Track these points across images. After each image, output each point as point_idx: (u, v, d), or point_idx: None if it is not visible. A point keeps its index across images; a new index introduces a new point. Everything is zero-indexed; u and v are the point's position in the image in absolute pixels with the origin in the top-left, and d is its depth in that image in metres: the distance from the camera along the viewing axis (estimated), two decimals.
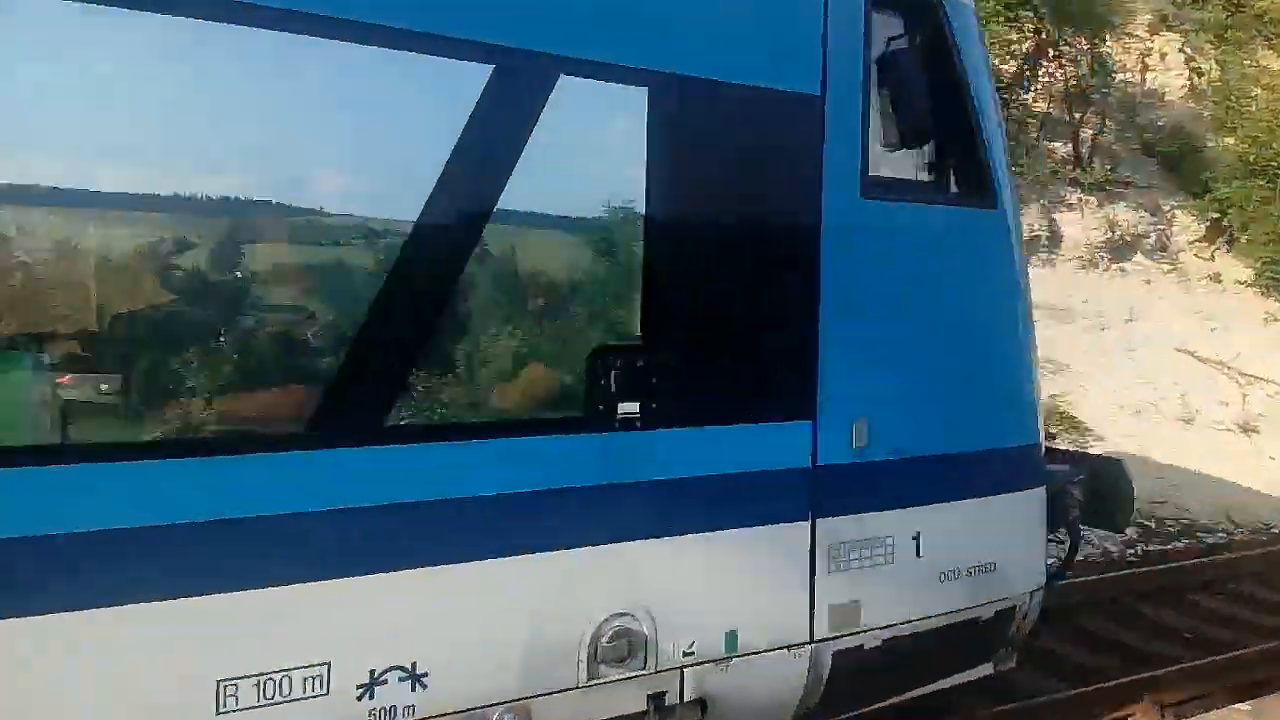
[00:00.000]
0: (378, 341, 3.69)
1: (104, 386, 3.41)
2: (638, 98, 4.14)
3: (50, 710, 3.22)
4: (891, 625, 4.94)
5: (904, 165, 5.20)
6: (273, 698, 3.48)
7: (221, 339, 3.61)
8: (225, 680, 3.42)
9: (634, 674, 4.22)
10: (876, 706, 5.29)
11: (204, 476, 3.40)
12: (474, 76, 3.79)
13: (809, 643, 4.68)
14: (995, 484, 5.38)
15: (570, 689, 4.08)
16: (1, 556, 3.11)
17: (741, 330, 4.48)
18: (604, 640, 4.12)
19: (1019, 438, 5.57)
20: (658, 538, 4.25)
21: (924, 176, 5.23)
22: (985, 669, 5.70)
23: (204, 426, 3.50)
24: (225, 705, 3.42)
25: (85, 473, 3.25)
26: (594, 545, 4.10)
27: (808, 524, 4.64)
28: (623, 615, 4.18)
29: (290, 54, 3.51)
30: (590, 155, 4.14)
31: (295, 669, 3.53)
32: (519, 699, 3.97)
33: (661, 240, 4.22)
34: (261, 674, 3.47)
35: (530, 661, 3.98)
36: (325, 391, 3.64)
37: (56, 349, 3.32)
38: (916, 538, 5.01)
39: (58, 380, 3.32)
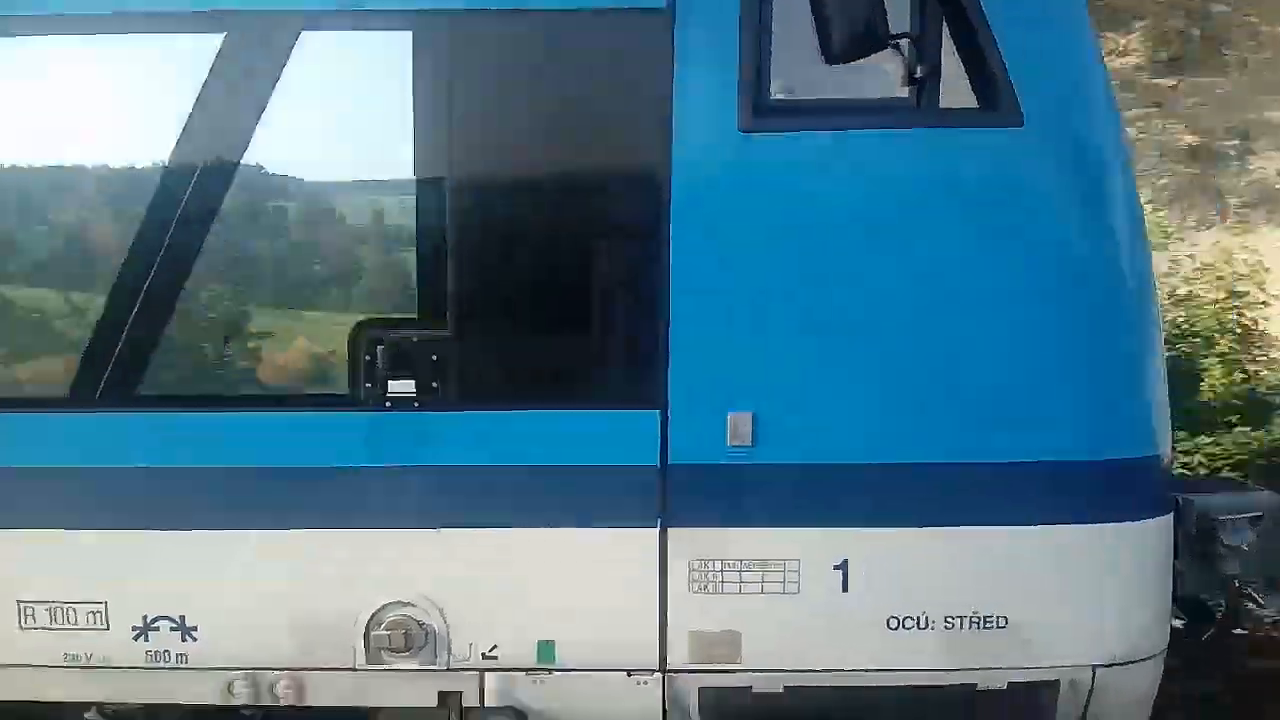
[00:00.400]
0: (129, 309, 3.86)
1: None
2: (399, 44, 3.72)
3: None
4: (795, 670, 3.91)
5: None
6: (62, 624, 4.01)
7: None
8: (25, 602, 4.03)
9: (422, 667, 3.97)
10: None
11: None
12: (200, 51, 3.74)
13: (659, 670, 3.94)
14: (1022, 508, 3.91)
15: (346, 669, 3.98)
16: None
17: (543, 303, 3.84)
18: (381, 627, 3.94)
19: (1081, 447, 3.93)
20: (445, 528, 3.91)
21: (888, 92, 3.87)
22: None
23: None
24: (26, 623, 4.03)
25: None
26: (362, 528, 3.91)
27: (655, 532, 3.87)
28: (405, 605, 3.94)
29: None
30: (350, 116, 3.83)
31: (78, 603, 4.00)
32: (294, 669, 4.00)
33: (431, 200, 3.79)
34: (53, 602, 4.01)
35: (303, 636, 3.97)
36: (82, 359, 3.94)
37: None
38: (842, 567, 3.88)
39: None
